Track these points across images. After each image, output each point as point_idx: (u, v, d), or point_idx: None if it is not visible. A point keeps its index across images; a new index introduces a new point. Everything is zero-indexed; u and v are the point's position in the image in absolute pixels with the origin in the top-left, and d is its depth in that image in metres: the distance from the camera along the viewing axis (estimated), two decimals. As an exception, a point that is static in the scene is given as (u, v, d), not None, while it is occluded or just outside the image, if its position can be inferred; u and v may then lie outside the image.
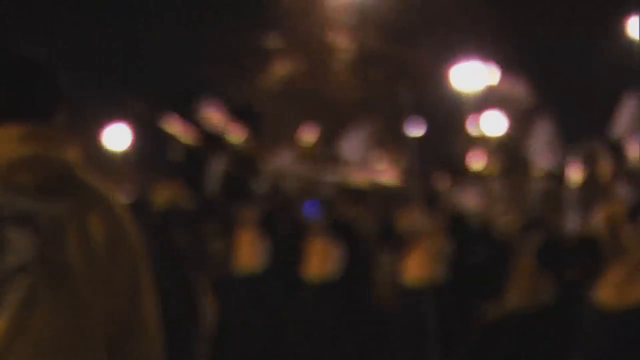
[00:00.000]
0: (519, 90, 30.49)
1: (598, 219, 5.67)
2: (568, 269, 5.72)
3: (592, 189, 5.47)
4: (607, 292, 5.50)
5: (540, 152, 6.43)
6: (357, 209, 7.14)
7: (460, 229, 6.45)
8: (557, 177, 6.30)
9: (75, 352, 2.16)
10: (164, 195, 8.07)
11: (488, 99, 28.13)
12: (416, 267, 6.58)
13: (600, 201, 5.79)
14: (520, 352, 6.17)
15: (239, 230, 7.70)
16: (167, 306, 7.72)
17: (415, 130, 29.46)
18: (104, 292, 2.20)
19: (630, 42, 25.43)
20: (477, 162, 6.24)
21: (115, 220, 2.25)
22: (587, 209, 5.76)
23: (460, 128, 30.29)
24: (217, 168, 7.64)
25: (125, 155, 36.13)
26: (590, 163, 5.33)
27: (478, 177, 6.27)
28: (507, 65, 29.43)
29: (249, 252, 7.61)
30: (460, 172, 6.76)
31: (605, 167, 5.25)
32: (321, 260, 7.14)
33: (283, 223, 7.35)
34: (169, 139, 12.65)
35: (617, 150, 5.82)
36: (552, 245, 5.97)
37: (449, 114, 29.27)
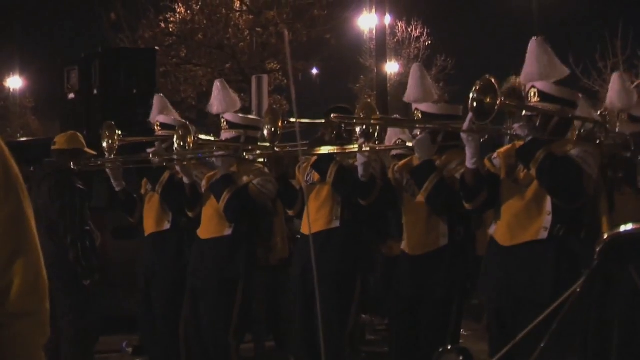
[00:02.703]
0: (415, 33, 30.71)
1: (496, 158, 5.71)
2: (464, 208, 5.75)
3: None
4: (501, 230, 5.57)
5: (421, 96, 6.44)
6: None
7: (350, 176, 6.46)
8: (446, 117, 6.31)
9: None
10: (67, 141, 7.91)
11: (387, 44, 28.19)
12: (312, 215, 6.54)
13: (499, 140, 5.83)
14: (418, 292, 6.22)
15: (145, 194, 7.66)
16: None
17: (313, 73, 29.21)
18: None
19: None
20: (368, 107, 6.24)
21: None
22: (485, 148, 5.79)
23: (358, 71, 30.46)
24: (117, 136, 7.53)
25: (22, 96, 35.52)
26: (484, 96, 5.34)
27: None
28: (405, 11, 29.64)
29: (154, 214, 7.55)
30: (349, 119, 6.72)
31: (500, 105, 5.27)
32: (213, 217, 7.05)
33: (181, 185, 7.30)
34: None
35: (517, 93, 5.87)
36: (446, 186, 5.99)
37: (346, 57, 29.35)
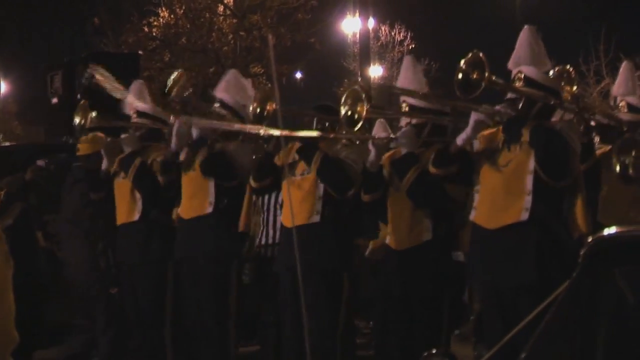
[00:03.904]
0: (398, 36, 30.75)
1: (476, 144, 5.72)
2: (447, 202, 5.78)
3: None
4: (483, 213, 5.58)
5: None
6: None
7: (336, 170, 6.44)
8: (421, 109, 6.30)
9: None
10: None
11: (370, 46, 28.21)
12: (297, 207, 6.49)
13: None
14: (407, 288, 6.19)
15: (117, 181, 7.60)
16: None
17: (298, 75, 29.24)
18: None
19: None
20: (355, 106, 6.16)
21: None
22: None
23: (342, 74, 30.42)
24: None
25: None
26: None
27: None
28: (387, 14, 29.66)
29: (126, 202, 7.50)
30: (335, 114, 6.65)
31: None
32: (194, 198, 7.07)
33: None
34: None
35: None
36: (427, 179, 5.98)
37: (330, 61, 29.36)
